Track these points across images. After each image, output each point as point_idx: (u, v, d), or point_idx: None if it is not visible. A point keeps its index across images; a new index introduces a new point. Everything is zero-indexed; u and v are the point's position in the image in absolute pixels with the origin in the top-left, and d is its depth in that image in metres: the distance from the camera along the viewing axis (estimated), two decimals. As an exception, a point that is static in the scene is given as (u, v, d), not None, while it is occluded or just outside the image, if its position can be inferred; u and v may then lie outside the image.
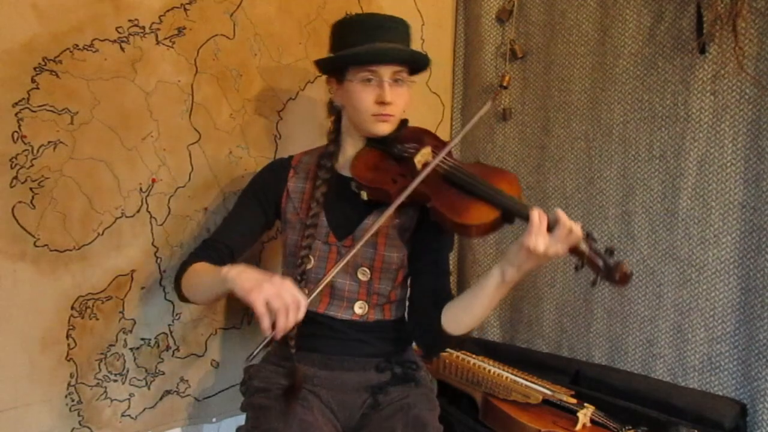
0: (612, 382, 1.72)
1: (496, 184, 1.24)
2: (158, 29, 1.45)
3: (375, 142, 1.36)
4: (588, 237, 1.15)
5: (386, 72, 1.29)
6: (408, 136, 1.37)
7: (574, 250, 1.14)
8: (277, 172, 1.44)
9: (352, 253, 1.21)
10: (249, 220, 1.42)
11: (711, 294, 1.62)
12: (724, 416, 1.53)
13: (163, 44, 1.46)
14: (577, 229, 1.12)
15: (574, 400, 1.61)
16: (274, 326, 1.07)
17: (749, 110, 1.55)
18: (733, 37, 1.51)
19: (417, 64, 1.36)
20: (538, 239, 1.11)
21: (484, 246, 2.08)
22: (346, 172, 1.38)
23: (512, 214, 1.21)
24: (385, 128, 1.33)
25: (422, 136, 1.38)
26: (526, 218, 1.14)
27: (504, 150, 2.03)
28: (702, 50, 1.59)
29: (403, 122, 1.38)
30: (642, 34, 1.71)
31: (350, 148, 1.40)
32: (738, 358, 1.59)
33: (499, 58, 2.02)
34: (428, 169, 1.25)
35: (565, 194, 1.90)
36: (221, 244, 1.37)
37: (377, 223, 1.22)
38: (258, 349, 1.13)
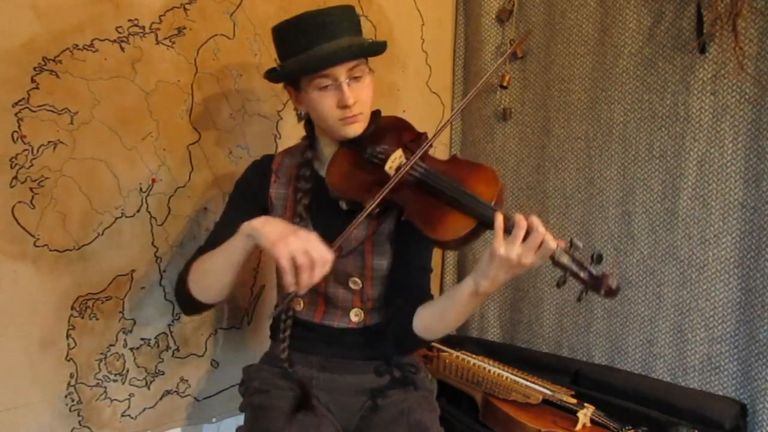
0: (612, 382, 1.71)
1: (472, 185, 1.14)
2: (158, 29, 1.45)
3: (349, 142, 1.28)
4: (571, 247, 1.03)
5: (341, 72, 1.19)
6: (382, 133, 1.29)
7: (554, 262, 1.04)
8: (260, 175, 1.37)
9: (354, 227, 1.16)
10: (241, 223, 1.36)
11: (711, 294, 1.62)
12: (724, 416, 1.52)
13: (163, 44, 1.46)
14: (550, 241, 1.02)
15: (574, 400, 1.61)
16: (297, 281, 1.03)
17: (749, 110, 1.55)
18: (733, 37, 1.51)
19: (371, 54, 1.25)
20: (508, 248, 1.03)
21: (484, 245, 2.07)
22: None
23: (490, 222, 1.09)
24: (355, 129, 1.24)
25: (396, 132, 1.30)
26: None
27: (504, 150, 2.03)
28: (702, 50, 1.59)
29: (376, 114, 1.30)
30: (642, 34, 1.71)
31: (327, 148, 1.33)
32: (738, 358, 1.59)
33: (499, 58, 2.01)
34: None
35: (565, 194, 1.89)
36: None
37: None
38: (284, 304, 1.19)
